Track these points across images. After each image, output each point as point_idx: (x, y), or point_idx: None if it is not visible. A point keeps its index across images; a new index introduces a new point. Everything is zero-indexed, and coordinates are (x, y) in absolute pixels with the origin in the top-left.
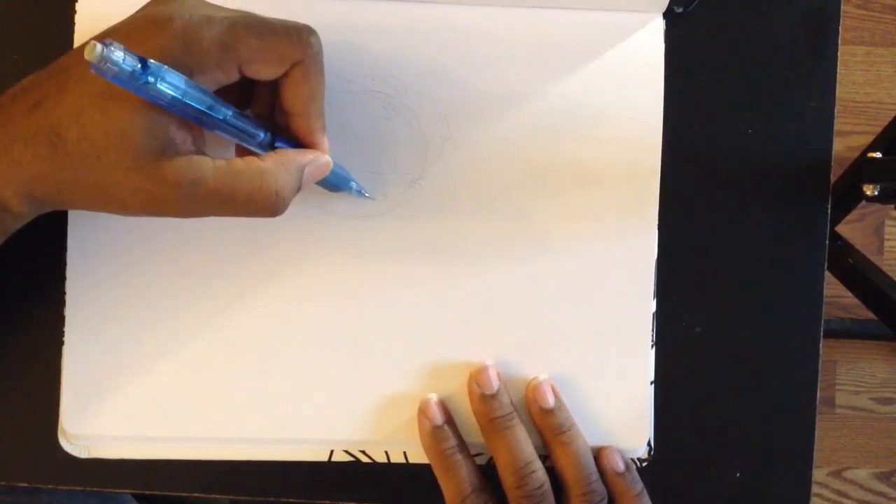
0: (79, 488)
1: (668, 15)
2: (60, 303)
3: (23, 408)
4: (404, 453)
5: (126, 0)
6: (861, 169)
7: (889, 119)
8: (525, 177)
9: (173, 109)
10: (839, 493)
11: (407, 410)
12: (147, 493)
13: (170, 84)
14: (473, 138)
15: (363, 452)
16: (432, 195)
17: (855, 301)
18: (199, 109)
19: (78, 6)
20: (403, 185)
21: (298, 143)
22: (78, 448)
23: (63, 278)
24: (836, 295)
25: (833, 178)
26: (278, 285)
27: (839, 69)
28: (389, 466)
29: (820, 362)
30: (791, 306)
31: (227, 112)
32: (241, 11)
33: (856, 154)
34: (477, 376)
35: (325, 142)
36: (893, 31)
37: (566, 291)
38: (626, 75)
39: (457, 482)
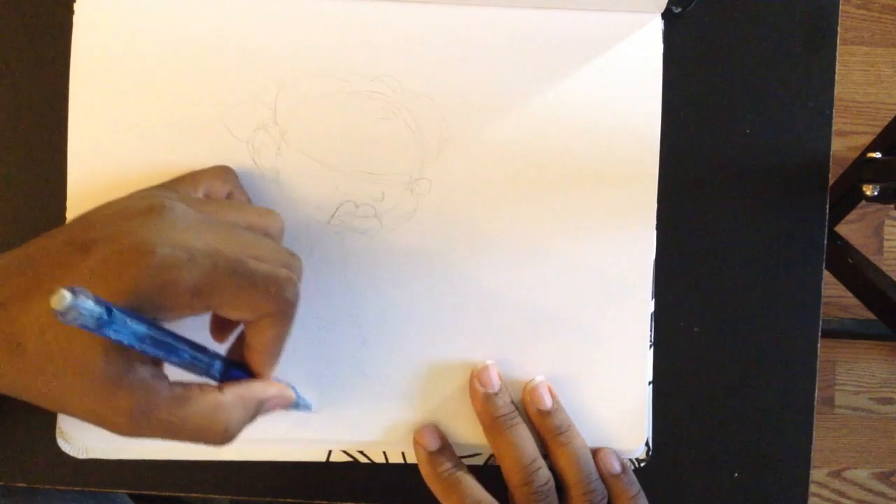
0: (76, 489)
1: (667, 15)
2: None
3: (20, 408)
4: (402, 454)
5: (125, 2)
6: (861, 169)
7: (889, 119)
8: (523, 177)
9: (131, 347)
10: (839, 493)
11: (405, 411)
12: (144, 493)
13: (131, 334)
14: (472, 139)
15: (361, 453)
16: (430, 196)
17: (855, 301)
18: (157, 354)
19: (76, 7)
20: (401, 185)
21: (250, 371)
22: (75, 448)
23: None
24: (836, 295)
25: (833, 178)
26: None
27: (839, 69)
28: (387, 467)
29: (818, 362)
30: (789, 306)
31: (184, 355)
32: (229, 247)
33: (856, 154)
34: (479, 375)
35: (271, 377)
36: (893, 31)
37: (564, 292)
38: (625, 75)
39: (459, 496)
